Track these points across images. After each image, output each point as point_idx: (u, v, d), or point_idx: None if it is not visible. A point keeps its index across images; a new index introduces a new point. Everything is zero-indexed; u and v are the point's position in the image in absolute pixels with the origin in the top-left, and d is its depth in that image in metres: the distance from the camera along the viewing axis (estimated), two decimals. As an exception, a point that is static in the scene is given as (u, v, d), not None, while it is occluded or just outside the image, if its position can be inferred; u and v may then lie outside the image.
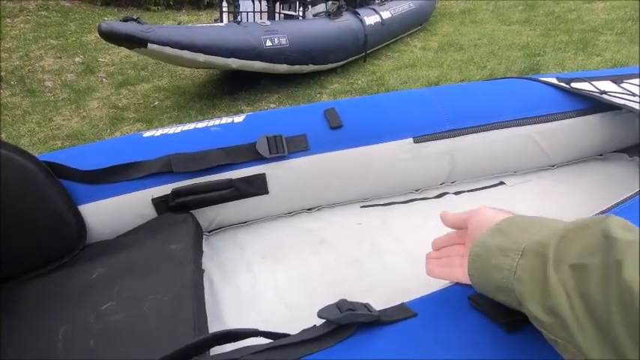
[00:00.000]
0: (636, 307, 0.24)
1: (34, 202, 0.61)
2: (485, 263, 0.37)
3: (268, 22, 2.24)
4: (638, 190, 0.57)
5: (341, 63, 2.61)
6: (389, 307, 0.42)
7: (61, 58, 2.98)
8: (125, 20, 1.73)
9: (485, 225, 0.40)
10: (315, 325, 0.41)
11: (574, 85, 0.83)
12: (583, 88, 0.81)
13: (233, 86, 2.43)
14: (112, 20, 1.72)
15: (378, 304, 0.43)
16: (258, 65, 2.11)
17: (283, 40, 2.15)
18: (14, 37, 3.31)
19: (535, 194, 0.81)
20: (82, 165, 0.67)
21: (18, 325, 0.51)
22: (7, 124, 2.05)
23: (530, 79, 0.89)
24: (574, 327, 0.28)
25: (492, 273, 0.35)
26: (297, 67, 2.31)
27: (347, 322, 0.38)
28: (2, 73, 2.63)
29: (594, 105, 0.81)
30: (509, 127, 0.80)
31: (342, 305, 0.40)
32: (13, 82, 2.53)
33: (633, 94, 0.76)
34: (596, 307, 0.27)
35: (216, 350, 0.43)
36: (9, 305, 0.55)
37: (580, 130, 0.82)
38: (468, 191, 0.84)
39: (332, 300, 0.43)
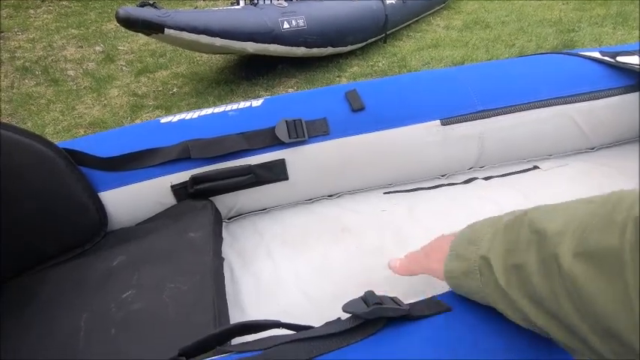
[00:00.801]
0: (581, 294, 0.24)
1: (55, 189, 0.61)
2: (465, 288, 0.37)
3: (285, 3, 2.18)
4: None
5: (360, 45, 2.52)
6: (419, 300, 0.39)
7: (82, 47, 3.02)
8: (142, 5, 1.71)
9: (436, 256, 0.42)
10: (339, 318, 0.39)
11: (620, 58, 0.75)
12: (631, 62, 0.74)
13: (250, 71, 2.40)
14: (129, 6, 1.71)
15: (404, 296, 0.40)
16: (275, 49, 2.07)
17: (301, 22, 2.09)
18: (37, 28, 3.38)
19: (573, 178, 0.75)
20: (101, 152, 0.66)
21: (40, 313, 0.52)
22: (32, 113, 2.10)
23: (569, 53, 0.82)
24: (541, 322, 0.28)
25: (474, 295, 0.36)
26: (315, 50, 2.25)
27: (374, 316, 0.35)
28: (27, 64, 2.70)
29: None
30: (546, 106, 0.74)
31: (368, 299, 0.37)
32: (37, 72, 2.59)
33: (690, 68, 0.69)
34: (545, 302, 0.27)
35: (237, 340, 0.42)
36: (31, 293, 0.56)
37: (626, 109, 0.75)
38: (499, 176, 0.79)
39: (354, 290, 0.41)
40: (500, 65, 0.86)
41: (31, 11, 3.77)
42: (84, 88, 2.40)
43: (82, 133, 1.88)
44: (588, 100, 0.74)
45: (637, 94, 0.74)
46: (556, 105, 0.74)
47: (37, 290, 0.55)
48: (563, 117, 0.75)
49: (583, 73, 0.76)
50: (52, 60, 2.78)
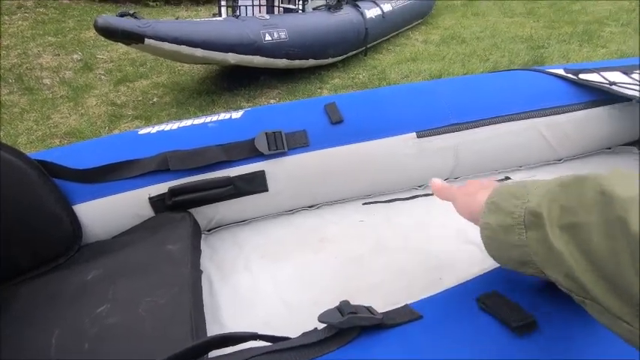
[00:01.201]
0: None
1: (26, 202, 0.59)
2: (500, 242, 0.36)
3: (267, 16, 2.21)
4: None
5: (341, 57, 2.58)
6: (392, 309, 0.40)
7: (59, 55, 2.96)
8: (122, 15, 1.70)
9: (473, 204, 0.42)
10: (316, 329, 0.40)
11: (582, 76, 0.80)
12: (592, 79, 0.79)
13: (232, 82, 2.41)
14: (109, 15, 1.69)
15: (382, 304, 0.41)
16: (257, 60, 2.09)
17: (283, 35, 2.12)
18: (12, 35, 3.29)
19: (542, 189, 0.79)
20: (77, 163, 0.65)
21: (10, 329, 0.50)
22: (4, 122, 2.04)
23: (536, 70, 0.87)
24: (590, 286, 0.28)
25: (511, 251, 0.35)
26: (297, 62, 2.28)
27: (348, 326, 0.36)
28: (0, 71, 2.62)
29: (603, 97, 0.78)
30: (516, 120, 0.77)
31: (343, 308, 0.38)
32: (10, 80, 2.51)
33: (644, 85, 0.74)
34: (604, 263, 0.27)
35: (215, 353, 0.42)
36: (1, 308, 0.54)
37: (589, 123, 0.80)
38: (473, 187, 0.82)
39: (334, 300, 0.41)
40: (473, 80, 0.90)
41: (6, 17, 3.67)
42: (60, 97, 2.34)
43: (57, 143, 1.83)
44: (554, 115, 0.78)
45: (598, 109, 0.79)
46: (525, 119, 0.78)
47: (7, 305, 0.54)
48: (532, 130, 0.79)
49: (549, 89, 0.81)
50: (26, 68, 2.71)
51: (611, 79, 0.77)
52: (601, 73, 0.79)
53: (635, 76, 0.78)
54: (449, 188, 0.51)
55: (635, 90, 0.72)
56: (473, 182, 0.47)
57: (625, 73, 0.79)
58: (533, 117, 0.78)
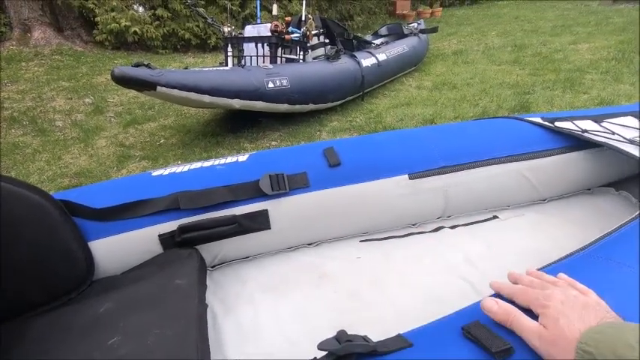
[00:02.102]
0: None
1: (46, 239, 0.63)
2: None
3: (270, 66, 2.37)
4: (622, 223, 0.60)
5: (340, 102, 2.73)
6: (386, 338, 0.44)
7: (71, 99, 3.12)
8: (137, 65, 1.84)
9: (566, 343, 0.34)
10: (315, 358, 0.43)
11: (558, 124, 0.88)
12: (566, 126, 0.87)
13: (236, 125, 2.53)
14: (124, 66, 1.83)
15: (379, 336, 0.45)
16: (260, 105, 2.21)
17: (284, 82, 2.27)
18: (28, 80, 3.48)
19: (527, 228, 0.84)
20: (94, 203, 0.70)
21: None
22: (17, 162, 2.12)
23: (517, 118, 0.95)
24: None
25: None
26: (297, 107, 2.42)
27: (344, 352, 0.40)
28: (15, 114, 2.75)
29: (578, 142, 0.85)
30: (500, 163, 0.84)
31: (340, 337, 0.42)
32: (25, 122, 2.63)
33: (612, 133, 0.81)
34: None
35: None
36: (14, 342, 0.56)
37: (566, 166, 0.86)
38: (463, 225, 0.87)
39: (332, 332, 0.45)
40: (460, 127, 0.98)
41: (23, 64, 3.90)
42: (71, 138, 2.45)
43: (67, 182, 1.89)
44: (535, 159, 0.85)
45: (574, 153, 0.86)
46: (508, 162, 0.85)
47: (20, 338, 0.56)
48: (516, 173, 0.86)
49: (529, 135, 0.88)
50: (40, 111, 2.85)
51: (583, 127, 0.85)
52: (574, 121, 0.87)
53: (605, 124, 0.86)
54: (511, 317, 0.40)
55: (604, 137, 0.80)
56: (548, 300, 0.38)
57: (595, 121, 0.87)
58: (515, 160, 0.85)
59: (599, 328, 0.33)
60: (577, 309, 0.37)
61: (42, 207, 0.63)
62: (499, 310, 0.41)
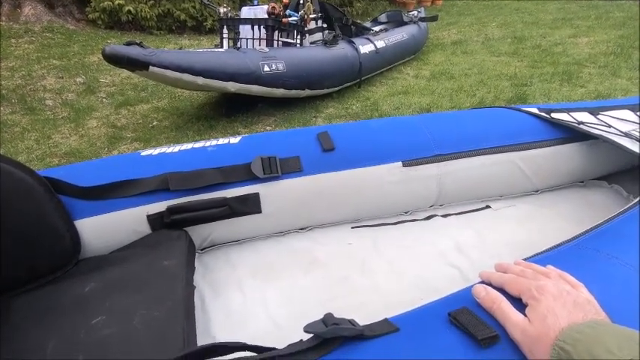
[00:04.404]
0: None
1: (32, 216, 0.62)
2: None
3: (267, 49, 2.33)
4: (612, 215, 0.60)
5: (336, 88, 2.69)
6: (373, 322, 0.44)
7: (62, 78, 3.04)
8: (128, 44, 1.79)
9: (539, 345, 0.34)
10: (301, 340, 0.43)
11: (554, 115, 0.87)
12: (562, 118, 0.86)
13: (231, 109, 2.49)
14: (116, 44, 1.78)
15: (366, 321, 0.45)
16: (255, 89, 2.18)
17: (281, 66, 2.23)
18: (18, 57, 3.39)
19: (519, 218, 0.84)
20: (81, 181, 0.69)
21: (7, 340, 0.52)
22: (5, 140, 2.07)
23: (513, 108, 0.94)
24: None
25: None
26: (293, 92, 2.38)
27: (331, 335, 0.39)
28: (4, 91, 2.68)
29: (573, 134, 0.85)
30: (494, 153, 0.84)
31: (327, 320, 0.41)
32: (14, 100, 2.57)
33: (608, 126, 0.81)
34: None
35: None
36: None
37: (560, 158, 0.86)
38: (456, 214, 0.87)
39: (320, 317, 0.44)
40: (455, 116, 0.97)
41: (13, 40, 3.79)
42: (61, 118, 2.40)
43: (57, 162, 1.86)
44: (529, 149, 0.85)
45: (568, 145, 0.85)
46: (502, 152, 0.84)
47: (5, 316, 0.55)
48: (509, 163, 0.85)
49: (525, 125, 0.88)
50: (30, 89, 2.78)
51: (580, 119, 0.84)
52: (570, 113, 0.87)
53: (601, 117, 0.86)
54: (497, 305, 0.40)
55: (600, 130, 0.79)
56: (541, 293, 0.38)
57: (592, 113, 0.87)
58: (509, 150, 0.84)
59: (579, 327, 0.33)
60: (568, 306, 0.36)
61: (26, 183, 0.62)
62: (486, 296, 0.42)
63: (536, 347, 0.35)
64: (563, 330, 0.33)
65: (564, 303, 0.36)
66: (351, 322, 0.43)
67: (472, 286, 0.47)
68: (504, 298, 0.40)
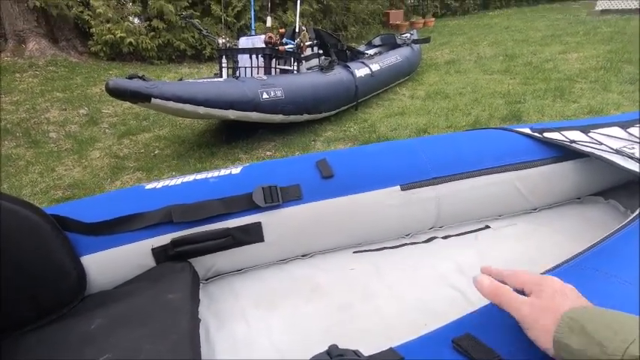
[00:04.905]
0: None
1: (38, 254, 0.63)
2: None
3: (265, 77, 2.39)
4: (609, 233, 0.61)
5: (334, 112, 2.75)
6: (377, 352, 0.44)
7: (66, 110, 3.11)
8: (131, 77, 1.85)
9: (550, 315, 0.36)
10: (307, 371, 0.43)
11: (546, 134, 0.90)
12: (555, 137, 0.88)
13: (231, 135, 2.53)
14: (119, 78, 1.84)
15: (370, 348, 0.45)
16: (255, 116, 2.23)
17: (279, 93, 2.28)
18: (22, 91, 3.47)
19: (518, 237, 0.85)
20: (86, 217, 0.70)
21: None
22: (10, 175, 2.10)
23: (506, 129, 0.97)
24: None
25: None
26: (292, 117, 2.43)
27: (336, 367, 0.40)
28: (8, 125, 2.73)
29: (567, 153, 0.87)
30: (490, 173, 0.85)
31: (332, 351, 0.42)
32: (18, 134, 2.62)
33: (599, 143, 0.83)
34: None
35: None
36: (6, 359, 0.56)
37: (555, 176, 0.88)
38: (456, 235, 0.88)
39: (324, 346, 0.45)
40: (451, 138, 0.99)
41: (17, 75, 3.89)
42: (65, 149, 2.44)
43: (60, 194, 1.88)
44: (524, 169, 0.86)
45: (562, 163, 0.87)
46: (499, 172, 0.86)
47: (12, 355, 0.56)
48: (506, 183, 0.87)
49: (519, 146, 0.90)
50: (34, 122, 2.84)
51: (572, 138, 0.86)
52: (562, 132, 0.89)
53: (592, 134, 0.88)
54: (501, 290, 0.42)
55: (592, 148, 0.81)
56: (545, 282, 0.40)
57: (583, 131, 0.89)
58: (505, 171, 0.86)
59: (594, 308, 0.35)
60: (572, 294, 0.38)
61: (33, 222, 0.63)
62: (490, 285, 0.42)
63: (544, 316, 0.36)
64: (573, 308, 0.35)
65: (570, 291, 0.39)
66: (356, 352, 0.43)
67: (475, 311, 0.47)
68: (508, 287, 0.42)
